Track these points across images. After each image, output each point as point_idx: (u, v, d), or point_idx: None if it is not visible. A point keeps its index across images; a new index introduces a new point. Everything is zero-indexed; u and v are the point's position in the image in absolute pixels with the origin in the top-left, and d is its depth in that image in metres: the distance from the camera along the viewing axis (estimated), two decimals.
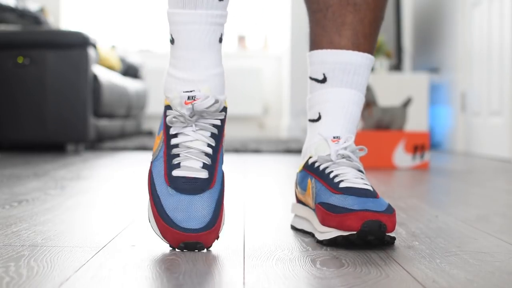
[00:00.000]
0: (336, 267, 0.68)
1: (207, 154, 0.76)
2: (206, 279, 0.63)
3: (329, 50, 0.88)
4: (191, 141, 0.75)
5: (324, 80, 0.89)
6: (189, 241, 0.72)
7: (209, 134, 0.76)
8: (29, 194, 1.26)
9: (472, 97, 3.14)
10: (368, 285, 0.60)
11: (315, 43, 0.90)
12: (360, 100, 0.90)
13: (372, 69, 3.52)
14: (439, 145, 3.56)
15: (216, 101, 0.75)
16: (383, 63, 3.37)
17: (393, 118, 2.17)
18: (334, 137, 0.85)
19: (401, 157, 2.12)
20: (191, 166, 0.75)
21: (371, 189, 0.80)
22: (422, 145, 2.13)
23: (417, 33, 4.08)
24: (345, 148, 0.84)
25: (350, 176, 0.81)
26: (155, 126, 4.80)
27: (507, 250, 0.78)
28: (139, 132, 4.15)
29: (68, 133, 2.70)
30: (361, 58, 0.88)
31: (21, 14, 3.11)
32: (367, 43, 0.88)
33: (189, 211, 0.73)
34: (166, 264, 0.68)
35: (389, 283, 0.61)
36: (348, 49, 0.87)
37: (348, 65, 0.87)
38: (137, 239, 0.81)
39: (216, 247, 0.77)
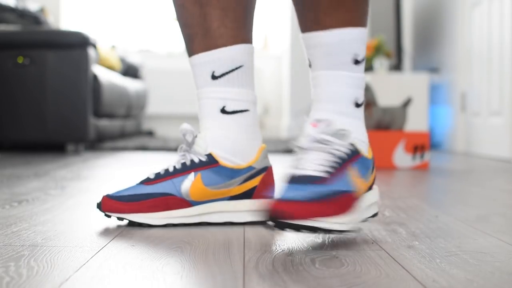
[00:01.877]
0: (335, 266, 0.68)
1: None
2: (206, 279, 0.63)
3: (308, 33, 0.88)
4: None
5: (310, 65, 0.90)
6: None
7: None
8: (29, 194, 1.26)
9: (472, 97, 3.14)
10: (368, 285, 0.61)
11: (300, 25, 0.92)
12: (348, 78, 0.86)
13: (372, 69, 3.53)
14: (439, 145, 3.56)
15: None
16: (383, 63, 3.37)
17: (393, 118, 2.17)
18: (316, 120, 0.83)
19: (401, 157, 2.13)
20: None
21: (315, 174, 0.77)
22: (422, 145, 2.13)
23: (417, 33, 4.08)
24: (323, 132, 0.82)
25: (304, 162, 0.79)
26: (155, 126, 4.81)
27: (507, 250, 0.78)
28: (139, 132, 4.15)
29: (68, 133, 2.70)
30: (330, 37, 0.85)
31: (21, 14, 3.11)
32: (328, 19, 0.85)
33: None
34: (166, 264, 0.68)
35: (389, 283, 0.61)
36: (321, 29, 0.86)
37: (324, 47, 0.86)
38: (137, 239, 0.81)
39: (216, 247, 0.77)
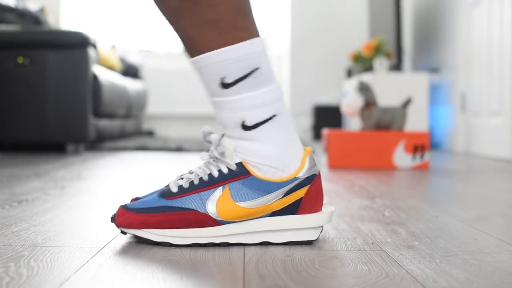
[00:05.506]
0: (335, 267, 0.68)
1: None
2: (206, 279, 0.63)
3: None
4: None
5: None
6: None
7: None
8: (29, 194, 1.26)
9: (472, 97, 3.14)
10: (368, 285, 0.60)
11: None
12: (224, 103, 0.78)
13: (372, 69, 3.53)
14: (439, 145, 3.56)
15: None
16: (383, 63, 3.37)
17: (393, 118, 2.17)
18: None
19: (401, 157, 2.13)
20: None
21: (172, 189, 0.79)
22: (422, 145, 2.13)
23: (417, 33, 4.08)
24: (215, 149, 0.80)
25: (184, 175, 0.81)
26: (155, 126, 4.80)
27: (507, 251, 0.78)
28: (139, 132, 4.15)
29: (68, 133, 2.70)
30: (194, 65, 0.78)
31: (21, 14, 3.12)
32: (189, 50, 0.79)
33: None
34: (166, 264, 0.68)
35: (389, 283, 0.61)
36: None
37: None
38: (137, 239, 0.81)
39: (216, 248, 0.77)
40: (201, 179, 0.78)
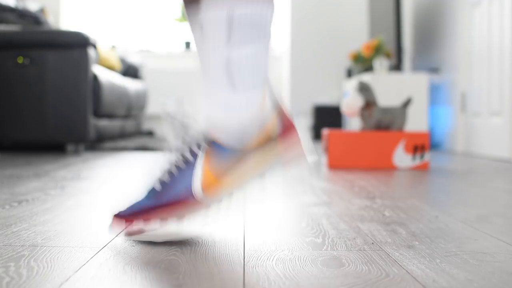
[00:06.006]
0: (336, 266, 0.68)
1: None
2: (206, 279, 0.63)
3: None
4: None
5: None
6: None
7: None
8: (29, 194, 1.26)
9: (472, 97, 3.14)
10: (368, 284, 0.60)
11: None
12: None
13: (372, 69, 3.53)
14: (439, 145, 3.56)
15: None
16: (383, 63, 3.37)
17: (393, 118, 2.17)
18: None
19: (401, 157, 2.12)
20: None
21: (150, 187, 0.79)
22: (422, 145, 2.13)
23: (417, 33, 4.08)
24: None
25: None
26: (155, 126, 4.80)
27: (507, 251, 0.78)
28: (139, 132, 4.15)
29: (68, 133, 2.70)
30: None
31: (21, 14, 3.11)
32: None
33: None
34: (166, 264, 0.68)
35: (389, 283, 0.61)
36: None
37: None
38: (137, 239, 0.81)
39: (216, 247, 0.77)
40: (178, 167, 0.78)
